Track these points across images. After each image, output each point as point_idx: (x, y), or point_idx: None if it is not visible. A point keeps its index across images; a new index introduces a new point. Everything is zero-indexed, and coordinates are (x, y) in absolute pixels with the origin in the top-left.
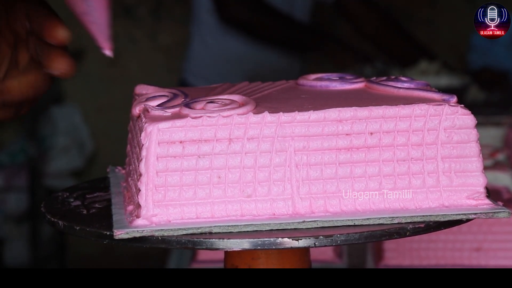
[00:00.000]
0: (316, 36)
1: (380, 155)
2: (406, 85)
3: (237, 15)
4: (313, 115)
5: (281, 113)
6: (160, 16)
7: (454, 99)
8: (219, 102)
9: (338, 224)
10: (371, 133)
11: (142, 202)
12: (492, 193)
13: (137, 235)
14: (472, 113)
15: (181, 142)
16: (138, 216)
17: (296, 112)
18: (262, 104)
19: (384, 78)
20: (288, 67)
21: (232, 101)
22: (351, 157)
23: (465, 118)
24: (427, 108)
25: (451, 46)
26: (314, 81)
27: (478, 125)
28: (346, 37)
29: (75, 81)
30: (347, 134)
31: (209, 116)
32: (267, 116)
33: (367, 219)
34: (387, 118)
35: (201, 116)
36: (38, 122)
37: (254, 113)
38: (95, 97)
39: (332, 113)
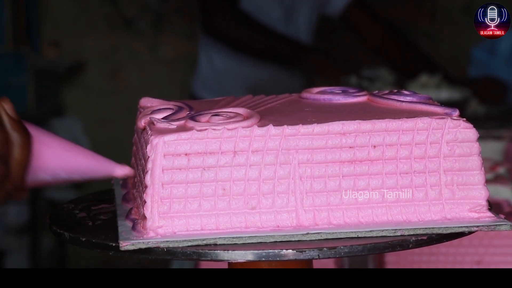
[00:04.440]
0: (300, 49)
1: (383, 168)
2: (408, 98)
3: (222, 29)
4: (317, 128)
5: (285, 126)
6: (161, 29)
7: (457, 112)
8: (224, 115)
9: (342, 236)
10: (374, 146)
11: (147, 214)
12: (493, 206)
13: (143, 246)
14: (473, 126)
15: (186, 154)
16: (143, 228)
17: (300, 125)
18: (266, 117)
19: (387, 91)
20: (290, 80)
21: (237, 114)
22: (354, 169)
23: (467, 132)
24: (429, 121)
25: (451, 59)
26: (317, 94)
27: (478, 139)
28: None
29: (75, 93)
30: (350, 147)
31: (214, 129)
32: (271, 129)
33: (370, 231)
34: (390, 131)
35: (206, 129)
36: None
37: (259, 126)
38: (96, 109)
39: (336, 126)
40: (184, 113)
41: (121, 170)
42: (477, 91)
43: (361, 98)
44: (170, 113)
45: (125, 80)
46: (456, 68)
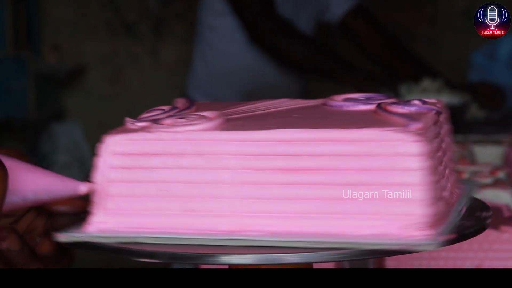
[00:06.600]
0: (343, 66)
1: (326, 178)
2: (406, 108)
3: (269, 40)
4: (260, 134)
5: (233, 131)
6: (161, 33)
7: (417, 125)
8: (189, 118)
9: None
10: (319, 155)
11: (93, 210)
12: (492, 211)
13: (76, 240)
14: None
15: (133, 154)
16: (88, 223)
17: (247, 131)
18: (235, 122)
19: (395, 100)
20: (287, 84)
21: (201, 117)
22: (293, 178)
23: (411, 145)
24: (376, 133)
25: (451, 64)
26: (341, 101)
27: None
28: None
29: (76, 98)
30: (296, 155)
31: (163, 131)
32: (218, 134)
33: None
34: (335, 141)
35: (157, 131)
36: (39, 139)
37: (206, 130)
38: (96, 113)
39: (279, 134)
40: (170, 114)
41: (84, 187)
42: (475, 97)
43: (370, 106)
44: (159, 113)
45: (126, 84)
46: (456, 72)
